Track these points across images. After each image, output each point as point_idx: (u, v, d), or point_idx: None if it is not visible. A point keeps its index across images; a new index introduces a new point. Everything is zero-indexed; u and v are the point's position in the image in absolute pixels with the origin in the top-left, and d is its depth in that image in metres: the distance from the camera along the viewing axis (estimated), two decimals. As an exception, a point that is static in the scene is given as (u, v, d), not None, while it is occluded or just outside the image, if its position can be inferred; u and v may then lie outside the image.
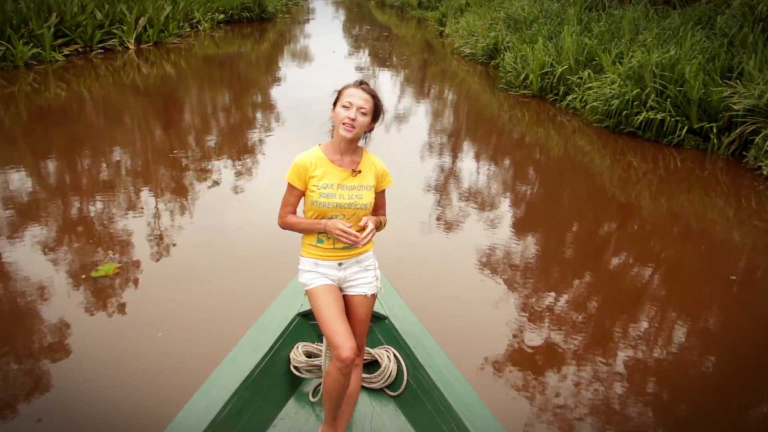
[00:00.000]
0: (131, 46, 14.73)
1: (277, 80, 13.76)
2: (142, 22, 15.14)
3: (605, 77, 9.64)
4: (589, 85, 9.84)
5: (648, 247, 6.10)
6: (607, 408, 3.63)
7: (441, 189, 7.38)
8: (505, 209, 7.02)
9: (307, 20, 27.29)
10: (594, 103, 9.26)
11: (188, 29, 17.75)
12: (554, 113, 10.47)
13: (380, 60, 17.14)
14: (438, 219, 6.41)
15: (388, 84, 13.49)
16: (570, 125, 9.85)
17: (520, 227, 6.42)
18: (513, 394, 3.69)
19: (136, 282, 4.66)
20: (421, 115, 11.32)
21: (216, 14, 19.81)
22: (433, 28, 23.23)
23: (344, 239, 2.43)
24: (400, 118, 10.71)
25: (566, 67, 10.57)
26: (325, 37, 21.64)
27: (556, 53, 11.05)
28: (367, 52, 18.85)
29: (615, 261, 5.82)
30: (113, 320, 4.17)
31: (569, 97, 10.25)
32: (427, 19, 26.00)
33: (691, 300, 5.16)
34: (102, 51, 14.01)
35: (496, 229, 6.25)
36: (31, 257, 4.97)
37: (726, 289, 5.32)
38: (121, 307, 4.26)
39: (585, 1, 13.82)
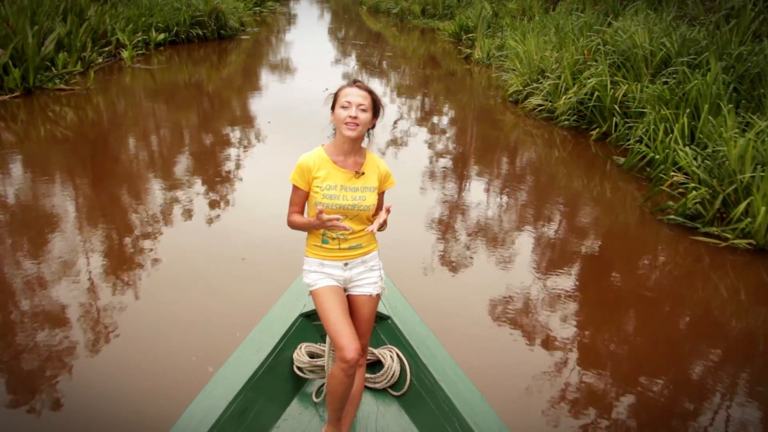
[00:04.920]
0: (-25, 102, 8.21)
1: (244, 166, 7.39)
2: (0, 57, 8.61)
3: None
4: None
5: None
6: (613, 407, 3.34)
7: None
8: None
9: (285, 34, 20.64)
10: None
11: (102, 60, 11.22)
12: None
13: (392, 103, 10.74)
14: (441, 224, 5.61)
15: (408, 161, 7.15)
16: None
17: None
18: (517, 394, 3.39)
19: (139, 284, 4.30)
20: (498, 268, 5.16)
21: (153, 34, 13.26)
22: (446, 43, 16.80)
23: (335, 225, 2.24)
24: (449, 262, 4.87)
25: None
26: (310, 58, 15.14)
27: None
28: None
29: None
30: (116, 322, 3.84)
31: None
32: (435, 30, 19.54)
33: None
34: None
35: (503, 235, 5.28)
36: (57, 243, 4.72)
37: None
38: (125, 309, 3.97)
39: (748, 26, 7.53)
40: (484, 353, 3.69)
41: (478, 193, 6.58)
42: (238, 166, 6.99)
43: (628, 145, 6.89)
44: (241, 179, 6.55)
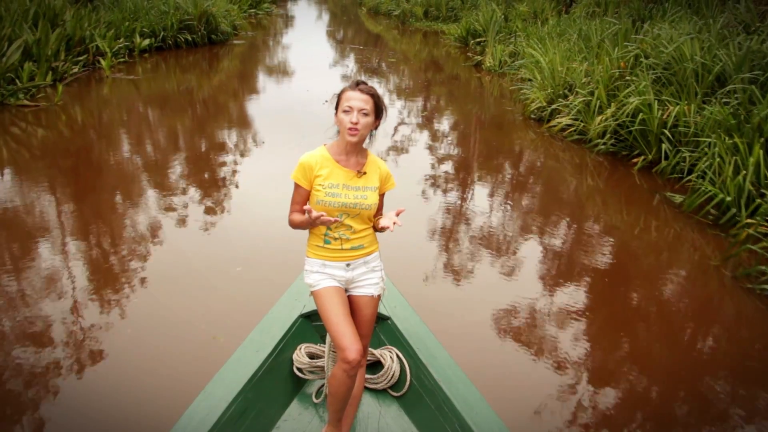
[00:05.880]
0: None
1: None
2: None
3: None
4: None
5: None
6: (609, 406, 3.27)
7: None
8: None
9: (281, 37, 19.46)
10: None
11: (78, 70, 10.05)
12: None
13: (393, 106, 9.58)
14: (442, 224, 5.45)
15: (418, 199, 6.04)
16: None
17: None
18: (517, 394, 3.32)
19: (139, 285, 4.23)
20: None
21: (138, 40, 12.08)
22: (452, 48, 15.66)
23: (325, 221, 2.19)
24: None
25: None
26: (308, 64, 13.98)
27: None
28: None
29: None
30: (117, 323, 3.78)
31: None
32: (438, 33, 18.40)
33: None
34: None
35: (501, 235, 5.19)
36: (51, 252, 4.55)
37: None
38: (125, 310, 3.91)
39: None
40: (484, 353, 3.68)
41: (496, 218, 5.54)
42: (233, 173, 6.59)
43: (687, 181, 5.75)
44: (237, 185, 6.26)
